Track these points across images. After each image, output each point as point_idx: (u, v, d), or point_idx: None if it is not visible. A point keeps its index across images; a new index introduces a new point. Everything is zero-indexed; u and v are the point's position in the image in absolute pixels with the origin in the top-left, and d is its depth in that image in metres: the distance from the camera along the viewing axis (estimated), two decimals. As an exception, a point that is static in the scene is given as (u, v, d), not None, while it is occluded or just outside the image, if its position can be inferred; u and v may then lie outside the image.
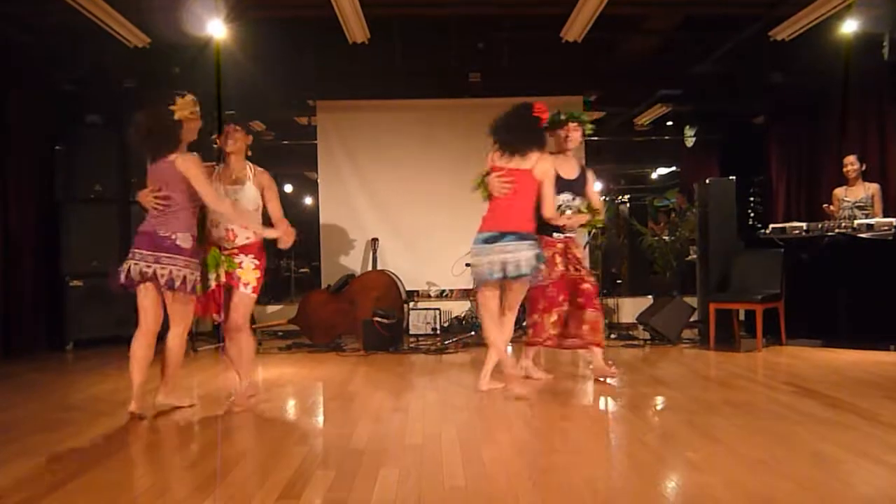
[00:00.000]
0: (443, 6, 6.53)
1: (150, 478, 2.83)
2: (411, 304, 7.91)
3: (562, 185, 4.60)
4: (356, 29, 6.40)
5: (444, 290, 8.57)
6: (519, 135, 4.46)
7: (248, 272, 4.07)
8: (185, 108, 3.92)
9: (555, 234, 4.68)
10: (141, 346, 3.97)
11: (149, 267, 3.80)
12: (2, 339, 6.41)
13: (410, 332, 7.44)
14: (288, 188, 12.27)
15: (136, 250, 3.85)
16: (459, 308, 8.26)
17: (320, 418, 3.97)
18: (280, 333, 7.49)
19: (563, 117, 4.72)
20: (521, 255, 4.22)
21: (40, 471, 2.93)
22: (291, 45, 6.93)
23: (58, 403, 4.43)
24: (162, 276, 3.79)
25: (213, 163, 4.20)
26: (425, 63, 7.85)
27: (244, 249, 4.08)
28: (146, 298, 3.96)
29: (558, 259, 4.67)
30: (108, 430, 3.65)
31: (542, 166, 4.40)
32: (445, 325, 7.85)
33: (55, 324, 6.95)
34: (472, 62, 7.86)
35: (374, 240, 8.19)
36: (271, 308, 8.24)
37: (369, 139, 8.60)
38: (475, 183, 4.65)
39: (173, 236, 3.84)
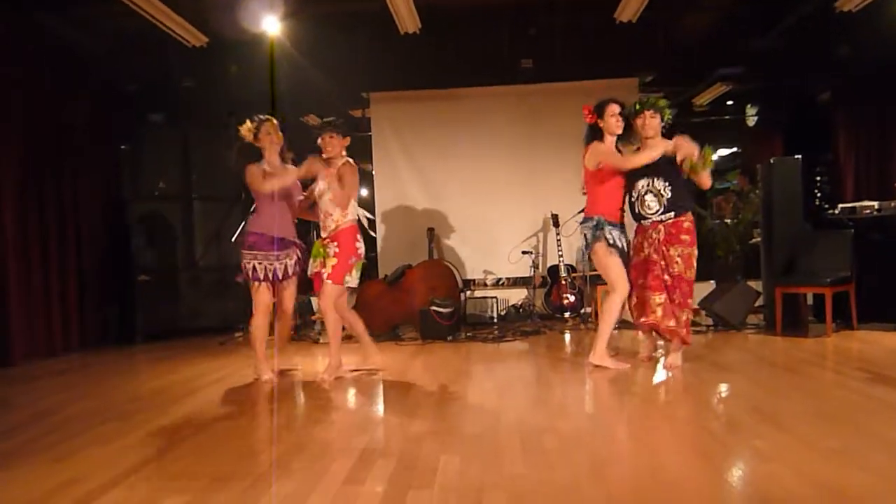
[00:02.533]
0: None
1: (216, 465, 2.90)
2: (468, 293, 7.92)
3: (642, 170, 4.56)
4: (407, 19, 6.41)
5: (500, 279, 8.55)
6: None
7: (328, 259, 4.56)
8: (247, 131, 4.67)
9: (642, 222, 4.68)
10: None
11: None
12: (77, 332, 6.68)
13: (468, 321, 7.45)
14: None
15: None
16: (516, 296, 8.23)
17: (380, 407, 4.01)
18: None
19: (638, 107, 4.63)
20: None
21: (114, 457, 3.05)
22: (344, 38, 6.97)
23: (129, 394, 4.59)
24: None
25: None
26: (477, 51, 7.79)
27: (334, 237, 4.59)
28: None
29: (645, 244, 4.64)
30: (178, 418, 3.76)
31: (588, 157, 4.73)
32: (503, 313, 7.83)
33: (125, 317, 7.21)
34: (524, 48, 7.77)
35: (431, 230, 8.22)
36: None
37: (423, 129, 8.61)
38: None
39: None
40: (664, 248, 4.54)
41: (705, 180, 4.56)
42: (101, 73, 7.10)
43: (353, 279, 4.62)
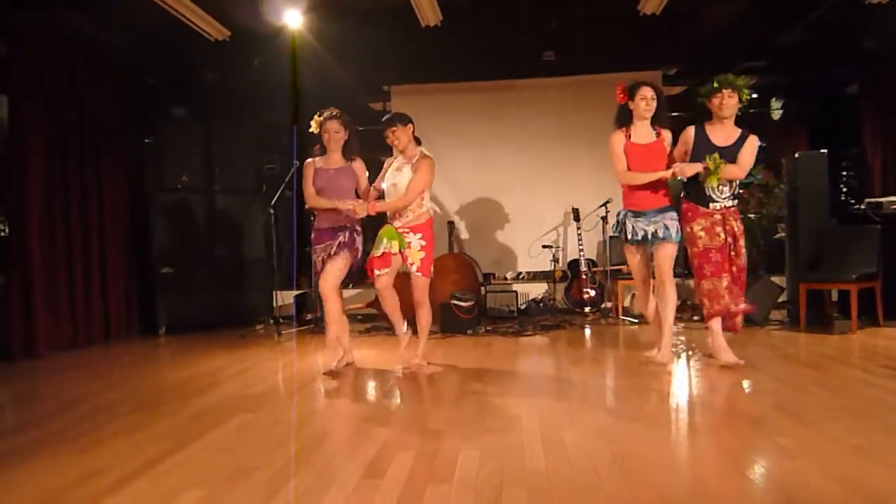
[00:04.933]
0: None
1: (237, 457, 2.92)
2: (488, 287, 7.90)
3: (711, 152, 4.39)
4: (429, 12, 6.40)
5: (520, 273, 8.53)
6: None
7: (414, 252, 4.62)
8: (316, 124, 4.74)
9: (710, 205, 4.49)
10: None
11: None
12: (101, 324, 6.77)
13: (488, 315, 7.44)
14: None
15: None
16: (536, 290, 8.20)
17: (400, 400, 4.02)
18: (359, 317, 7.62)
19: (716, 85, 4.43)
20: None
21: (137, 448, 3.08)
22: (365, 32, 6.98)
23: (152, 385, 4.64)
24: None
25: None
26: (498, 44, 7.76)
27: (413, 228, 4.65)
28: None
29: (718, 229, 4.47)
30: (199, 410, 3.79)
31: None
32: (523, 307, 7.81)
33: (148, 309, 7.29)
34: (546, 41, 7.73)
35: (451, 223, 8.22)
36: (350, 292, 8.38)
37: (444, 122, 8.61)
38: None
39: None
40: (737, 237, 4.47)
41: (733, 173, 4.40)
42: (126, 67, 7.16)
43: (432, 270, 4.76)
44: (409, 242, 4.60)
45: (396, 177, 4.65)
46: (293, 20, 6.31)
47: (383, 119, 4.75)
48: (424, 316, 4.78)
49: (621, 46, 7.67)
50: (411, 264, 4.62)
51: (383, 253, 4.59)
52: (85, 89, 6.56)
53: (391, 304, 4.77)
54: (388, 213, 4.70)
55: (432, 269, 4.71)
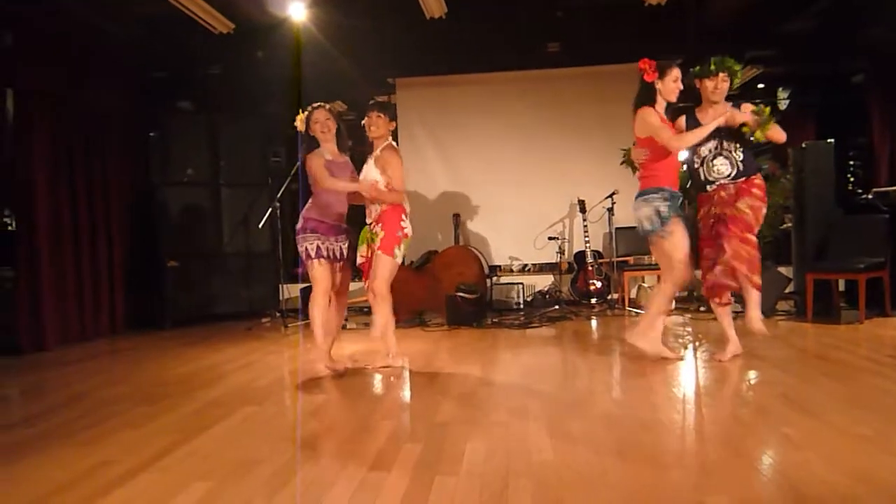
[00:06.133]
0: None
1: (242, 450, 2.93)
2: (494, 279, 7.90)
3: (709, 134, 4.28)
4: (433, 4, 6.38)
5: (526, 265, 8.52)
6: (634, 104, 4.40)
7: (377, 239, 4.41)
8: (300, 122, 4.56)
9: (707, 188, 4.38)
10: None
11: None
12: (108, 317, 6.80)
13: (494, 307, 7.44)
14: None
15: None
16: (542, 282, 8.19)
17: (407, 393, 4.03)
18: (365, 309, 7.62)
19: (712, 67, 4.31)
20: (640, 212, 4.32)
21: (143, 441, 3.10)
22: (370, 24, 6.97)
23: (158, 378, 4.66)
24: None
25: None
26: (503, 35, 7.73)
27: (377, 219, 4.44)
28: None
29: (712, 211, 4.35)
30: (205, 403, 3.81)
31: (637, 124, 4.35)
32: (529, 299, 7.81)
33: (154, 303, 7.31)
34: (551, 32, 7.69)
35: (457, 215, 8.21)
36: (355, 285, 8.38)
37: (449, 115, 8.59)
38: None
39: None
40: (735, 204, 4.23)
41: (777, 135, 4.24)
42: (131, 60, 7.17)
43: (400, 254, 4.44)
44: (375, 232, 4.43)
45: (364, 169, 4.52)
46: (297, 12, 6.30)
47: (373, 100, 4.65)
48: (381, 312, 4.44)
49: (626, 36, 7.62)
50: (377, 248, 4.39)
51: (365, 259, 4.50)
52: (90, 83, 6.56)
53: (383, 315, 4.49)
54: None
55: (398, 251, 4.39)
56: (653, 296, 4.74)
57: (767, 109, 4.19)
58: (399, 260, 4.45)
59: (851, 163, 8.73)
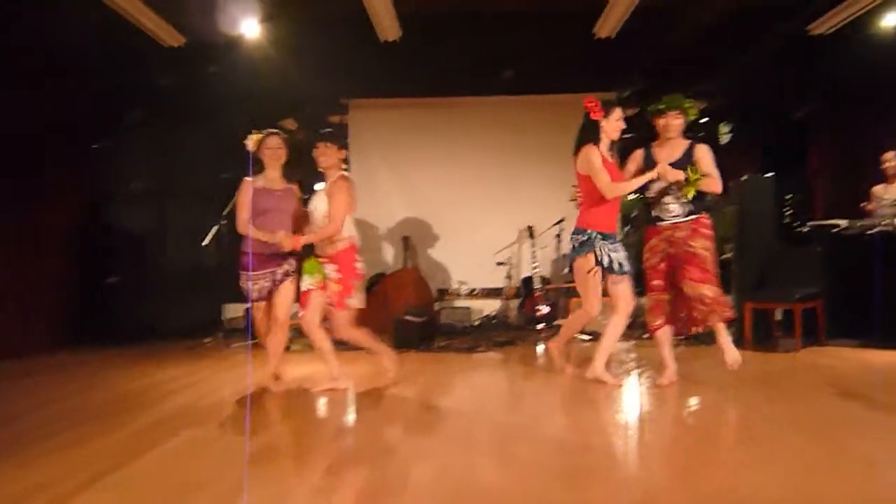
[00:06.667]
0: (474, 3, 6.51)
1: (185, 472, 2.85)
2: (442, 303, 7.91)
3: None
4: (388, 27, 6.42)
5: (474, 289, 8.56)
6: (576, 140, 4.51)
7: (331, 285, 4.37)
8: (253, 143, 4.50)
9: (658, 224, 4.48)
10: None
11: None
12: (46, 332, 6.56)
13: (442, 331, 7.43)
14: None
15: None
16: (490, 307, 8.24)
17: (352, 416, 3.98)
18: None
19: (661, 106, 4.43)
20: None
21: (80, 463, 2.97)
22: (324, 43, 6.96)
23: (97, 398, 4.51)
24: None
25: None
26: (457, 61, 7.82)
27: (330, 259, 4.38)
28: None
29: (663, 246, 4.45)
30: (147, 424, 3.70)
31: (580, 161, 4.44)
32: (477, 323, 7.83)
33: (95, 319, 7.08)
34: (505, 59, 7.82)
35: (406, 238, 8.22)
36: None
37: (401, 137, 8.62)
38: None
39: None
40: (689, 243, 4.36)
41: (711, 187, 4.37)
42: (76, 68, 6.99)
43: (357, 300, 4.42)
44: (328, 274, 4.38)
45: (315, 200, 4.47)
46: (250, 29, 6.26)
47: (322, 131, 4.64)
48: (317, 342, 4.46)
49: (578, 67, 7.80)
50: (329, 297, 4.37)
51: (307, 290, 4.40)
52: (33, 90, 6.37)
53: (319, 344, 4.49)
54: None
55: (352, 301, 4.39)
56: (606, 330, 4.69)
57: (694, 174, 4.31)
58: (357, 305, 4.43)
59: (790, 196, 9.05)
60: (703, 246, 4.37)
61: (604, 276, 4.47)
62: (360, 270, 4.48)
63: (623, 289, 4.49)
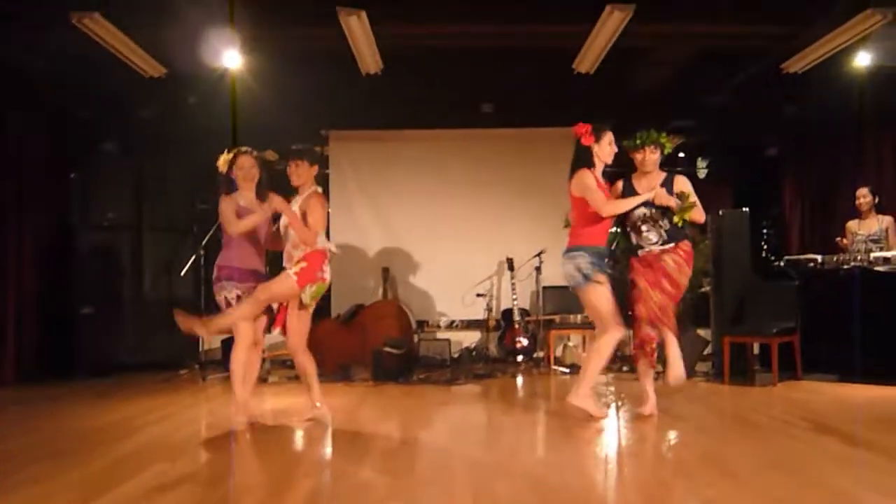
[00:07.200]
0: (455, 38, 6.57)
1: (155, 509, 2.78)
2: (421, 335, 7.86)
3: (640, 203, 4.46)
4: (369, 61, 6.45)
5: (454, 321, 8.52)
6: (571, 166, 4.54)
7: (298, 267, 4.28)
8: (223, 163, 4.52)
9: (639, 252, 4.53)
10: None
11: None
12: (13, 364, 6.41)
13: (421, 363, 7.38)
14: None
15: None
16: (470, 339, 8.20)
17: (329, 449, 3.92)
18: (289, 363, 7.43)
19: (638, 142, 4.52)
20: (564, 268, 4.43)
21: (44, 500, 2.89)
22: (305, 76, 6.99)
23: (64, 432, 4.39)
24: None
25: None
26: (437, 94, 7.89)
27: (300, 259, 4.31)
28: None
29: (643, 270, 4.49)
30: (114, 460, 3.61)
31: (574, 184, 4.46)
32: (456, 355, 7.78)
33: (66, 351, 6.93)
34: (485, 93, 7.89)
35: (385, 269, 8.19)
36: (281, 337, 8.19)
37: (381, 169, 8.64)
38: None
39: None
40: (667, 260, 4.43)
41: (697, 217, 4.47)
42: (54, 98, 6.95)
43: (308, 296, 4.28)
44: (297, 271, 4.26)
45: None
46: (231, 61, 6.26)
47: (293, 147, 4.62)
48: (306, 362, 4.41)
49: (556, 102, 7.88)
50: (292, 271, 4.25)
51: (282, 308, 4.38)
52: (6, 119, 6.32)
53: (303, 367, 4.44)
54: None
55: (308, 292, 4.25)
56: (589, 355, 4.72)
57: (690, 198, 4.39)
58: (306, 300, 4.29)
59: (766, 231, 9.17)
60: (672, 259, 4.43)
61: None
62: (325, 274, 4.35)
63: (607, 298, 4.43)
